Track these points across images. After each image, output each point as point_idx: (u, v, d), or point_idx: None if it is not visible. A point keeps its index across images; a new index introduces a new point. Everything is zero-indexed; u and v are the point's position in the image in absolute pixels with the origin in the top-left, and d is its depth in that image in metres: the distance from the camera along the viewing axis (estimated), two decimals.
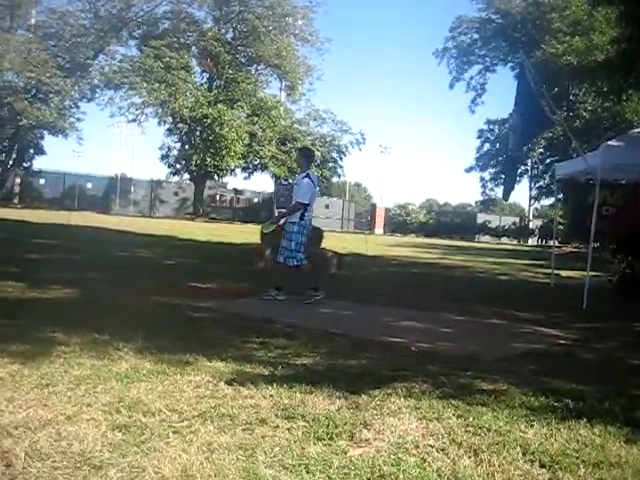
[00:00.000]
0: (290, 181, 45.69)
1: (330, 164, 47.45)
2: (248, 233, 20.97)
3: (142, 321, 5.88)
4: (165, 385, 4.04)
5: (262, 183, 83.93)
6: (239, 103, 44.01)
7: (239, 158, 42.88)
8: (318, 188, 8.50)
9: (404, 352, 5.55)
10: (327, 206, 50.44)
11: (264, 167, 44.96)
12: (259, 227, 15.39)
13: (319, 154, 44.99)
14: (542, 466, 3.08)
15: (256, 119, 43.93)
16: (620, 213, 12.41)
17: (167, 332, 5.57)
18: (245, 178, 48.15)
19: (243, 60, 47.17)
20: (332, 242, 16.28)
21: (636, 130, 12.29)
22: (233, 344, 5.34)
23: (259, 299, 8.26)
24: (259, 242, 13.84)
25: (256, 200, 52.83)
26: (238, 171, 46.33)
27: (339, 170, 48.73)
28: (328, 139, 47.14)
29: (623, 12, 14.20)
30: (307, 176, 8.42)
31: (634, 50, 13.12)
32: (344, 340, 5.88)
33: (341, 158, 47.86)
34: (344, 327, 6.61)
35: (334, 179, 53.45)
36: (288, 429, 3.39)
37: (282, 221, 8.69)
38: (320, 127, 47.73)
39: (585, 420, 3.72)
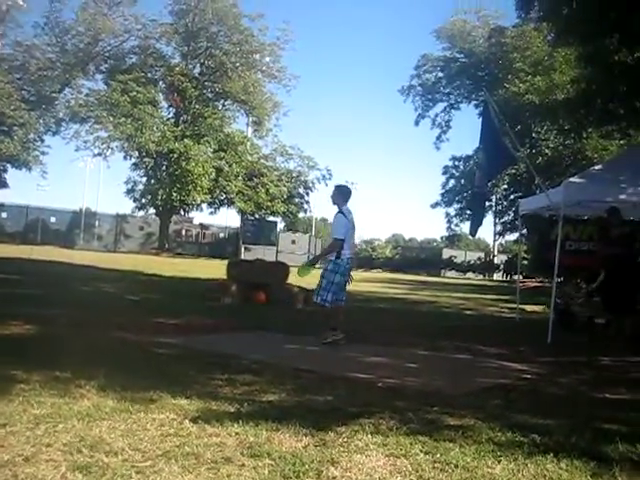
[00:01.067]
0: (257, 216, 45.75)
1: (296, 199, 47.60)
2: (214, 268, 20.83)
3: (105, 358, 5.77)
4: (128, 423, 3.96)
5: (228, 218, 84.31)
6: (206, 138, 44.09)
7: (205, 193, 42.80)
8: (350, 224, 8.32)
9: (371, 388, 5.52)
10: (293, 241, 50.44)
11: (230, 202, 44.92)
12: (225, 262, 15.37)
13: (285, 189, 45.18)
14: None
15: (223, 154, 44.00)
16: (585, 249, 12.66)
17: (130, 369, 5.46)
18: (211, 213, 48.03)
19: (210, 95, 47.40)
20: (298, 278, 16.24)
21: (596, 167, 12.56)
22: (198, 381, 5.26)
23: (320, 343, 8.02)
24: (225, 277, 13.78)
25: (222, 235, 52.63)
26: (204, 206, 46.25)
27: (305, 205, 48.97)
28: (295, 174, 47.36)
29: (582, 53, 14.65)
30: (340, 212, 8.27)
31: (593, 90, 13.51)
32: (311, 376, 5.83)
33: (307, 194, 48.11)
34: (311, 363, 6.56)
35: (300, 214, 53.60)
36: (254, 467, 3.34)
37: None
38: (287, 162, 48.04)
39: (552, 455, 3.72)
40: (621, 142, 26.47)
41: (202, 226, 52.00)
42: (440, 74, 41.48)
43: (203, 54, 46.18)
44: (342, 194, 8.51)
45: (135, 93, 41.37)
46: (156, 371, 5.50)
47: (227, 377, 5.47)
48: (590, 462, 3.66)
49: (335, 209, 8.33)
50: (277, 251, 43.35)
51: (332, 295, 8.15)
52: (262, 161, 46.91)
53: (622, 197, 10.26)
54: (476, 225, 11.09)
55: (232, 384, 5.24)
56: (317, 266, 9.19)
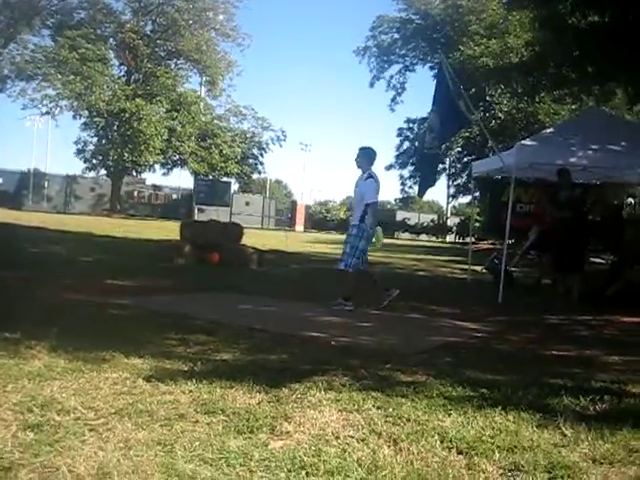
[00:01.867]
0: (210, 177, 45.27)
1: (250, 161, 47.29)
2: (167, 230, 20.63)
3: (56, 319, 5.68)
4: (80, 383, 3.92)
5: (181, 179, 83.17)
6: (158, 98, 43.27)
7: (158, 154, 42.17)
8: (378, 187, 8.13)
9: (325, 347, 5.57)
10: (247, 203, 50.21)
11: (184, 163, 44.39)
12: (178, 224, 15.23)
13: (239, 150, 44.77)
14: (459, 453, 3.15)
15: (175, 114, 43.29)
16: (533, 211, 12.88)
17: (83, 330, 5.40)
18: (164, 174, 47.31)
19: (162, 54, 46.38)
20: (253, 239, 16.22)
21: (548, 130, 12.75)
22: (151, 341, 5.23)
23: (329, 308, 7.88)
24: (178, 239, 13.66)
25: (175, 197, 52.00)
26: (157, 167, 45.64)
27: (259, 167, 48.72)
28: (249, 135, 46.95)
29: (536, 16, 14.72)
30: (371, 176, 8.09)
31: (546, 54, 13.62)
32: (264, 335, 5.85)
33: (262, 155, 47.85)
34: (264, 323, 6.58)
35: (254, 176, 53.29)
36: (208, 424, 3.35)
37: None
38: (241, 123, 47.57)
39: (500, 408, 3.82)
40: (573, 107, 26.87)
41: (155, 187, 51.25)
42: (396, 35, 41.22)
43: (155, 11, 45.01)
44: (367, 157, 8.29)
45: (84, 50, 40.22)
46: (109, 331, 5.44)
47: (180, 337, 5.45)
48: (536, 414, 3.77)
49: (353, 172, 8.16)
50: (231, 212, 43.06)
51: (355, 260, 8.03)
52: (216, 122, 46.32)
53: (572, 160, 10.45)
54: (425, 186, 11.18)
55: (185, 344, 5.23)
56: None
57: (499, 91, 32.19)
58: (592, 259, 13.34)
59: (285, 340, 5.69)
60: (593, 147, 10.43)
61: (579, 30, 12.41)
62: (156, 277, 10.00)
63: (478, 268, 13.81)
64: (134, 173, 47.06)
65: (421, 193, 10.49)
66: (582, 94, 16.17)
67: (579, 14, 12.44)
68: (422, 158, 10.82)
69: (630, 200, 18.79)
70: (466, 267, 13.78)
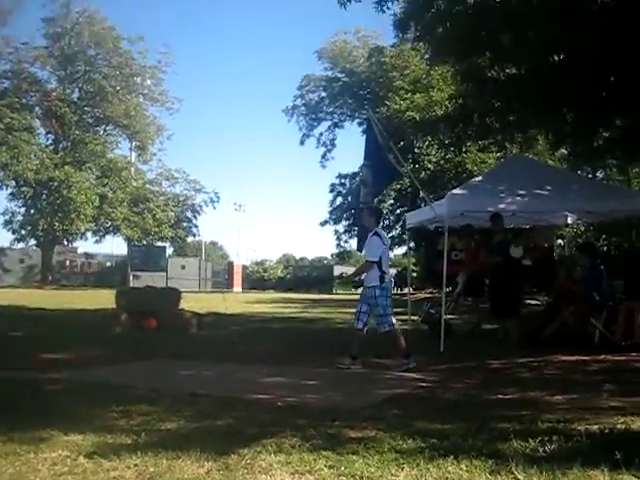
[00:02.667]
0: (144, 242, 44.68)
1: (184, 224, 46.99)
2: (102, 298, 20.11)
3: None
4: (17, 466, 3.73)
5: (115, 246, 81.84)
6: (88, 164, 42.81)
7: (89, 221, 41.47)
8: (386, 245, 8.13)
9: (271, 408, 5.47)
10: (183, 267, 49.59)
11: (116, 229, 43.74)
12: (113, 291, 14.89)
13: (172, 214, 44.47)
14: None
15: (106, 180, 42.85)
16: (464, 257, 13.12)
17: (17, 409, 5.17)
18: (96, 242, 46.48)
19: (90, 120, 46.09)
20: (190, 303, 15.97)
21: (477, 179, 13.11)
22: (91, 415, 5.03)
23: (335, 368, 7.85)
24: (114, 307, 13.34)
25: (109, 264, 50.99)
26: (89, 235, 44.82)
27: (194, 229, 48.47)
28: (182, 199, 46.76)
29: (458, 70, 15.30)
30: (376, 234, 8.15)
31: (470, 106, 14.12)
32: (209, 401, 5.72)
33: (195, 217, 47.64)
34: (208, 387, 6.44)
35: (189, 239, 52.89)
36: None
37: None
38: (173, 187, 47.39)
39: (452, 457, 3.80)
40: (498, 155, 27.82)
41: (87, 255, 50.18)
42: (323, 94, 42.13)
43: (81, 78, 44.87)
44: (374, 215, 8.51)
45: (9, 120, 39.62)
46: (45, 408, 5.23)
47: (122, 409, 5.27)
48: (488, 460, 3.77)
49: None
50: (167, 277, 42.44)
51: (391, 318, 8.04)
52: (147, 186, 46.02)
53: (502, 206, 10.72)
54: (362, 241, 11.27)
55: (128, 415, 5.06)
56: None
57: (427, 143, 33.14)
58: (528, 301, 13.63)
59: (230, 404, 5.56)
60: (521, 192, 10.75)
61: (499, 82, 12.94)
62: (93, 348, 9.68)
63: (419, 318, 13.89)
64: (65, 242, 46.11)
65: (360, 247, 10.55)
66: (506, 142, 16.79)
67: (498, 67, 12.98)
68: (358, 213, 10.94)
69: (559, 242, 19.36)
70: (406, 317, 13.85)
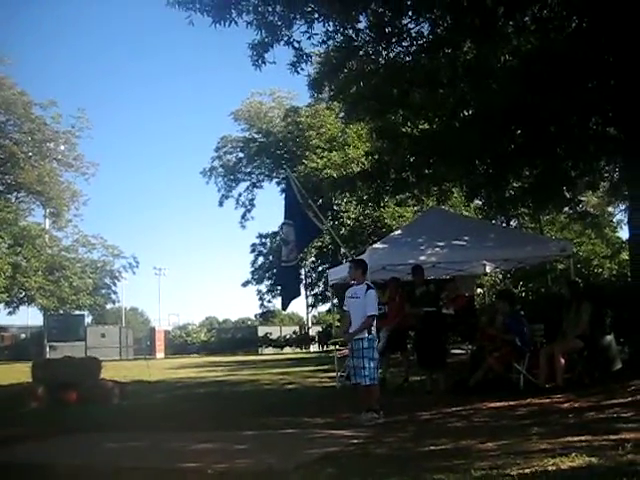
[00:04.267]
0: (61, 312, 43.14)
1: (103, 291, 45.64)
2: (17, 372, 19.16)
3: None
4: None
5: (30, 317, 78.05)
6: None
7: (1, 292, 39.79)
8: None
9: (201, 476, 5.29)
10: (103, 335, 47.96)
11: (31, 299, 42.07)
12: (29, 364, 14.24)
13: (90, 281, 43.26)
14: None
15: (19, 249, 41.36)
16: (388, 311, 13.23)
17: None
18: (10, 313, 44.38)
19: (1, 188, 44.66)
20: (112, 372, 15.44)
21: (396, 232, 13.36)
22: None
23: (360, 425, 7.63)
24: (30, 380, 12.75)
25: (24, 336, 48.89)
26: (1, 306, 42.84)
27: (113, 296, 46.97)
28: (99, 265, 45.51)
29: (372, 128, 15.69)
30: (371, 287, 8.06)
31: (386, 161, 14.45)
32: (137, 474, 5.48)
33: (114, 283, 46.29)
34: (134, 459, 6.18)
35: (108, 306, 51.33)
36: None
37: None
38: (90, 253, 46.00)
39: None
40: (415, 208, 28.47)
41: (0, 328, 48.02)
42: (240, 154, 42.29)
43: None
44: (362, 268, 8.38)
45: None
46: None
47: None
48: None
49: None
50: (86, 346, 41.00)
51: (376, 372, 7.98)
52: (63, 253, 44.64)
53: (422, 258, 10.94)
54: (289, 298, 11.25)
55: None
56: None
57: (345, 200, 33.57)
58: (453, 351, 13.79)
59: (159, 475, 5.35)
60: (440, 244, 11.02)
61: (413, 137, 13.34)
62: (7, 426, 9.15)
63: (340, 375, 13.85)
64: None
65: (285, 305, 10.54)
66: (423, 196, 17.20)
67: (411, 123, 13.39)
68: (282, 272, 10.93)
69: (479, 290, 19.83)
70: (333, 375, 13.77)
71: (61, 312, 43.35)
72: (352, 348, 8.18)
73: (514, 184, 15.12)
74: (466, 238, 11.27)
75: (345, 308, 8.51)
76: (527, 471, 4.66)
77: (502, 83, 10.75)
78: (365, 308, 8.06)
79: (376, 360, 8.08)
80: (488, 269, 14.84)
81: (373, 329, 8.14)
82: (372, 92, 12.12)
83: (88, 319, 47.39)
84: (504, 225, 20.44)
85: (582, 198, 19.67)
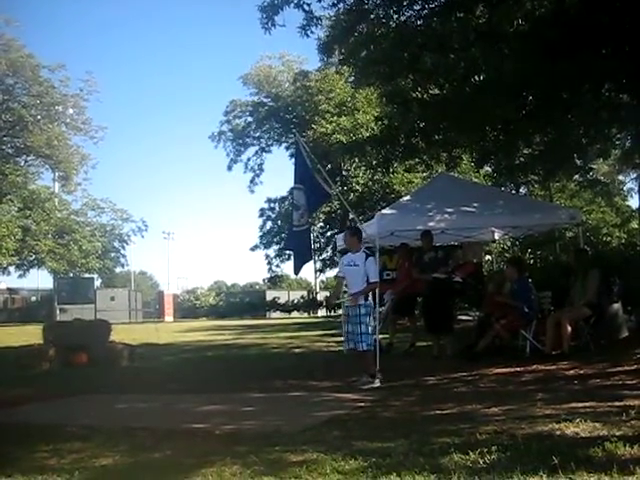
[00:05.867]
0: (71, 275, 43.45)
1: (112, 254, 45.85)
2: (28, 334, 19.38)
3: None
4: None
5: (40, 279, 78.64)
6: (8, 197, 41.41)
7: (12, 255, 40.01)
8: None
9: (209, 437, 5.36)
10: (112, 298, 48.34)
11: (41, 263, 42.35)
12: (40, 326, 14.39)
13: (99, 244, 43.46)
14: None
15: (29, 212, 41.52)
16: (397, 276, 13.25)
17: None
18: (20, 276, 44.72)
19: (10, 151, 44.65)
20: (121, 334, 15.57)
21: (405, 198, 13.30)
22: (19, 457, 4.82)
23: (358, 388, 7.80)
24: (41, 342, 12.89)
25: (34, 298, 49.36)
26: (12, 269, 43.14)
27: (122, 259, 47.20)
28: (108, 228, 45.67)
29: (382, 93, 15.54)
30: (371, 254, 8.20)
31: (395, 126, 14.33)
32: (145, 433, 5.55)
33: (123, 247, 46.50)
34: (144, 420, 6.27)
35: (118, 269, 51.68)
36: None
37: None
38: (99, 217, 46.15)
39: (394, 475, 3.79)
40: (424, 174, 28.34)
41: (10, 291, 48.42)
42: (249, 119, 42.00)
43: None
44: (358, 236, 8.47)
45: None
46: None
47: (52, 448, 5.07)
48: (430, 475, 3.78)
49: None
50: (96, 309, 41.35)
51: (372, 338, 8.11)
52: (73, 217, 44.78)
53: (431, 224, 10.90)
54: (301, 263, 11.23)
55: (59, 454, 4.86)
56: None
57: (354, 165, 33.45)
58: (460, 317, 13.85)
59: (167, 435, 5.42)
60: (448, 210, 10.97)
61: (423, 102, 13.19)
62: (18, 386, 9.29)
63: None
64: None
65: (297, 270, 10.52)
66: (432, 162, 17.10)
67: (421, 88, 13.25)
68: (292, 236, 10.90)
69: (488, 257, 19.81)
70: (341, 339, 13.87)
71: (71, 275, 43.67)
72: (349, 314, 8.29)
73: (524, 151, 15.01)
74: (475, 205, 11.21)
75: (340, 274, 8.61)
76: (531, 436, 4.70)
77: (514, 48, 10.59)
78: (365, 275, 8.16)
79: (372, 327, 8.22)
80: (497, 236, 14.79)
81: (370, 296, 8.27)
82: (382, 56, 11.97)
83: (97, 282, 47.73)
84: (513, 192, 20.34)
85: (593, 166, 19.53)
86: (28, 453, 4.93)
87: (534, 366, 8.92)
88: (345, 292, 9.25)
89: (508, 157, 14.46)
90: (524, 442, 4.47)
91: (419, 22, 11.42)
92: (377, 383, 8.08)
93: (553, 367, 8.80)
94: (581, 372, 8.25)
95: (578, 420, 5.09)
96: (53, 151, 42.95)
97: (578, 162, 15.24)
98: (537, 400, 6.28)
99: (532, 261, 24.73)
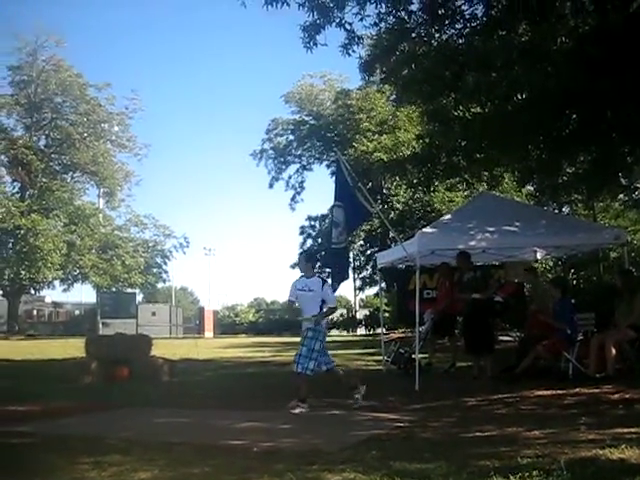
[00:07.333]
0: (113, 289, 44.09)
1: (154, 270, 46.49)
2: (71, 347, 19.69)
3: None
4: None
5: (83, 294, 79.51)
6: (55, 212, 42.36)
7: (57, 269, 40.84)
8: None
9: (247, 454, 5.37)
10: (154, 313, 48.92)
11: (85, 277, 43.11)
12: (82, 340, 14.62)
13: (142, 260, 44.09)
14: None
15: (74, 228, 42.37)
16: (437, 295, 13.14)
17: None
18: (64, 290, 45.61)
19: (58, 168, 45.76)
20: (162, 349, 15.73)
21: (446, 217, 13.21)
22: (61, 468, 4.89)
23: (282, 413, 7.75)
24: (83, 356, 13.08)
25: (78, 312, 50.19)
26: (56, 283, 44.01)
27: (164, 275, 47.89)
28: (151, 244, 46.35)
29: (423, 111, 15.52)
30: (325, 280, 8.32)
31: (436, 145, 14.31)
32: (183, 448, 5.59)
33: (165, 263, 47.15)
34: (182, 435, 6.31)
35: (159, 285, 52.34)
36: None
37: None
38: (142, 233, 46.94)
39: None
40: (465, 193, 28.15)
41: (55, 304, 49.36)
42: (291, 137, 42.35)
43: (48, 125, 44.70)
44: (312, 261, 8.69)
45: None
46: (13, 463, 5.06)
47: (93, 460, 5.13)
48: None
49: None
50: (137, 324, 41.85)
51: (314, 363, 8.07)
52: (116, 232, 45.58)
53: (472, 243, 10.80)
54: (338, 281, 11.23)
55: (99, 467, 4.92)
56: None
57: (395, 183, 33.39)
58: (501, 337, 13.66)
59: (206, 451, 5.44)
60: (490, 229, 10.85)
61: (465, 121, 13.14)
62: (61, 399, 9.44)
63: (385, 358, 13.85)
64: (32, 291, 45.31)
65: (335, 287, 10.55)
66: (473, 180, 16.99)
67: (463, 107, 13.20)
68: (331, 254, 10.93)
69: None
70: (380, 358, 13.79)
71: (113, 290, 44.34)
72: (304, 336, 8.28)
73: (568, 170, 14.82)
74: (517, 224, 11.08)
75: (291, 299, 8.49)
76: (574, 461, 4.60)
77: (557, 66, 10.49)
78: (320, 300, 8.19)
79: (315, 352, 8.10)
80: (539, 256, 14.57)
81: (323, 322, 8.27)
82: (424, 75, 11.97)
83: (139, 297, 48.34)
84: (556, 212, 20.07)
85: (638, 185, 19.20)
86: (70, 464, 5.00)
87: (577, 389, 8.73)
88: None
89: (551, 176, 14.29)
90: (567, 467, 4.38)
91: (461, 40, 11.41)
92: (305, 409, 7.90)
93: (597, 390, 8.60)
94: (626, 396, 8.04)
95: (623, 446, 4.96)
96: (98, 168, 43.91)
97: (623, 181, 15.01)
98: (580, 424, 6.15)
99: (575, 282, 24.31)
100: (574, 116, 12.22)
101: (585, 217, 24.65)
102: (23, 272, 39.50)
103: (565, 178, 14.77)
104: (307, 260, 8.68)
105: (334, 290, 10.58)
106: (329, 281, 8.41)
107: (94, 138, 44.96)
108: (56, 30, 44.63)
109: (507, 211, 11.81)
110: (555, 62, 10.60)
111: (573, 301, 10.87)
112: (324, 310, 8.28)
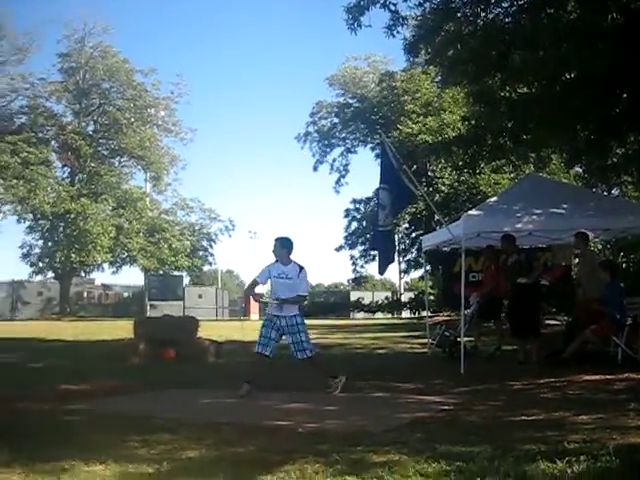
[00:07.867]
0: (161, 272, 44.77)
1: (200, 253, 46.98)
2: (120, 329, 20.10)
3: (8, 432, 5.41)
4: None
5: (132, 276, 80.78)
6: (103, 196, 43.09)
7: (106, 252, 41.61)
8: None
9: (292, 434, 5.43)
10: (200, 295, 49.44)
11: (133, 260, 43.83)
12: (131, 321, 14.91)
13: (188, 243, 44.63)
14: None
15: (122, 211, 43.08)
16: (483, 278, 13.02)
17: (38, 440, 5.16)
18: (113, 272, 46.43)
19: (105, 153, 46.48)
20: (208, 331, 15.94)
21: (492, 199, 13.06)
22: (112, 445, 5.01)
23: (326, 394, 7.91)
24: (132, 337, 13.34)
25: (126, 294, 51.05)
26: (105, 266, 44.83)
27: (210, 258, 48.34)
28: (197, 228, 46.85)
29: (469, 92, 15.33)
30: (302, 268, 8.15)
31: (482, 126, 14.12)
32: (230, 428, 5.68)
33: (211, 246, 47.59)
34: (228, 415, 6.41)
35: (205, 268, 52.86)
36: None
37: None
38: (188, 216, 47.45)
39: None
40: (511, 175, 27.74)
41: (104, 286, 50.32)
42: (335, 120, 42.21)
43: (96, 111, 45.42)
44: (287, 248, 8.23)
45: (26, 154, 40.06)
46: (66, 439, 5.20)
47: (143, 438, 5.24)
48: None
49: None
50: (184, 306, 42.44)
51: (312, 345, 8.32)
52: (163, 216, 46.19)
53: (518, 226, 10.66)
54: (385, 264, 11.21)
55: (149, 445, 5.03)
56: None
57: (440, 165, 33.03)
58: (548, 321, 13.49)
59: (251, 431, 5.52)
60: (536, 212, 10.69)
61: (511, 102, 12.94)
62: (111, 378, 9.65)
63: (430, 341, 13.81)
64: (82, 273, 46.28)
65: (382, 270, 10.54)
66: (520, 162, 16.74)
67: (509, 87, 13.00)
68: (377, 236, 10.90)
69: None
70: (425, 341, 13.75)
71: (161, 272, 45.00)
72: (280, 325, 8.20)
73: (617, 150, 14.48)
74: (564, 206, 10.89)
75: (258, 279, 8.38)
76: (623, 447, 4.54)
77: (608, 44, 10.23)
78: (296, 288, 8.08)
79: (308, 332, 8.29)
80: None
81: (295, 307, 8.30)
82: (469, 55, 11.81)
83: (186, 280, 48.91)
84: (605, 193, 19.65)
85: None
86: (120, 442, 5.12)
87: (626, 374, 8.60)
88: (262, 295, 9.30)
89: (600, 157, 13.99)
90: (615, 453, 4.32)
91: (507, 19, 11.24)
92: (343, 379, 8.05)
93: None
94: None
95: None
96: (145, 152, 44.44)
97: None
98: (629, 410, 6.07)
99: (624, 265, 23.79)
100: (624, 95, 11.92)
101: (635, 199, 24.07)
102: (73, 255, 40.34)
103: (615, 159, 14.43)
104: (282, 246, 8.23)
105: (381, 272, 10.57)
106: (305, 269, 8.22)
107: (141, 123, 45.49)
108: (103, 17, 45.19)
109: (554, 193, 11.61)
110: (606, 39, 10.34)
111: (622, 284, 10.62)
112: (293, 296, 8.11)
